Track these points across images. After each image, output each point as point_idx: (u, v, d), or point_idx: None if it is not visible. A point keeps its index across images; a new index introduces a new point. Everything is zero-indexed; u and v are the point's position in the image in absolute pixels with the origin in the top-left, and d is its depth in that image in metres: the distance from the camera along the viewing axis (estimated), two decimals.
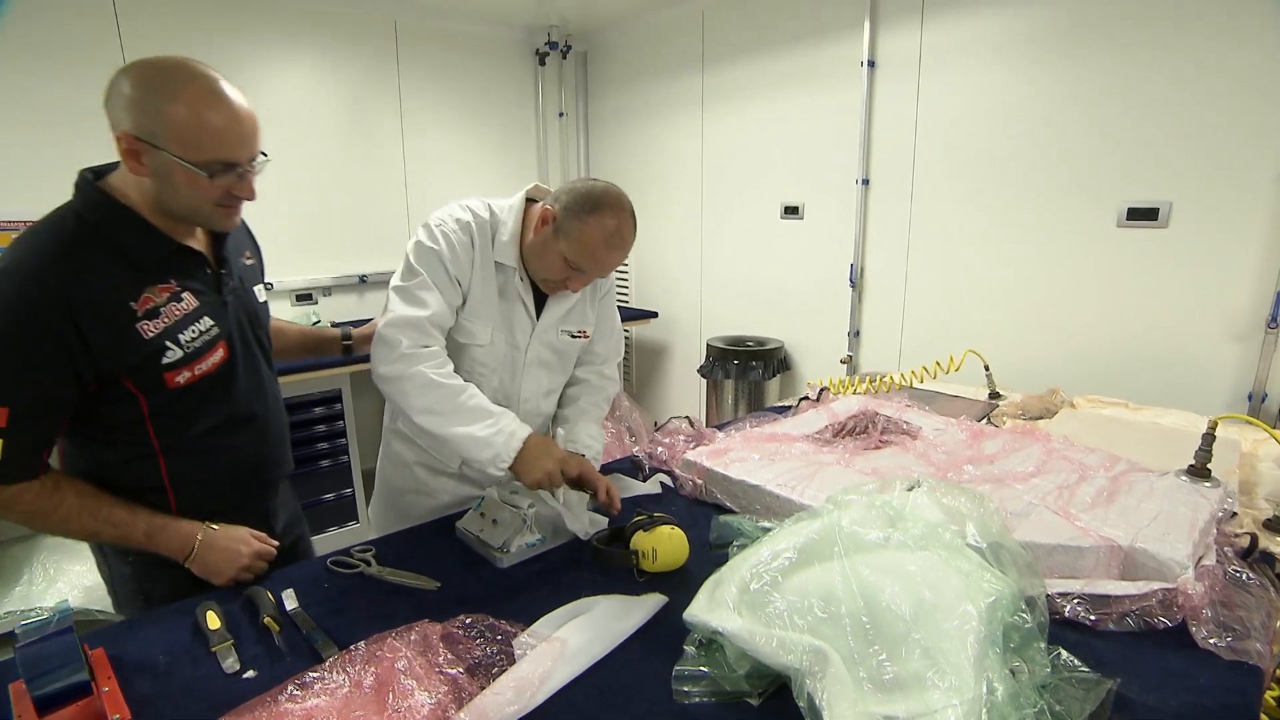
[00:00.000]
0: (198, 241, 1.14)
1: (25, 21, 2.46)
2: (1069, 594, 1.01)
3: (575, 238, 1.22)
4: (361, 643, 0.89)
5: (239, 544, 1.13)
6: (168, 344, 1.05)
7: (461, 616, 0.95)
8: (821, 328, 2.96)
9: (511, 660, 0.90)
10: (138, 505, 1.09)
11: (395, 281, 1.28)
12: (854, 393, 1.97)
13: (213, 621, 1.00)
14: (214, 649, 0.95)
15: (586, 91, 3.97)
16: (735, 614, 0.88)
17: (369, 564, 1.17)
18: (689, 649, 0.91)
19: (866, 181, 2.66)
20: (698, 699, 0.85)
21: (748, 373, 2.98)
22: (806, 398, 1.89)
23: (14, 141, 2.49)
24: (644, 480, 1.52)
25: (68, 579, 2.24)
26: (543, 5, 3.32)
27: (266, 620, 1.00)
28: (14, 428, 0.94)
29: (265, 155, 1.08)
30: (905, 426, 1.60)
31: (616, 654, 0.94)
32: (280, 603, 1.06)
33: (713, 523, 1.19)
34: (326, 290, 3.29)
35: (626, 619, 1.00)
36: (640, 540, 1.13)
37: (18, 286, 0.94)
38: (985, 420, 1.75)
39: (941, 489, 1.06)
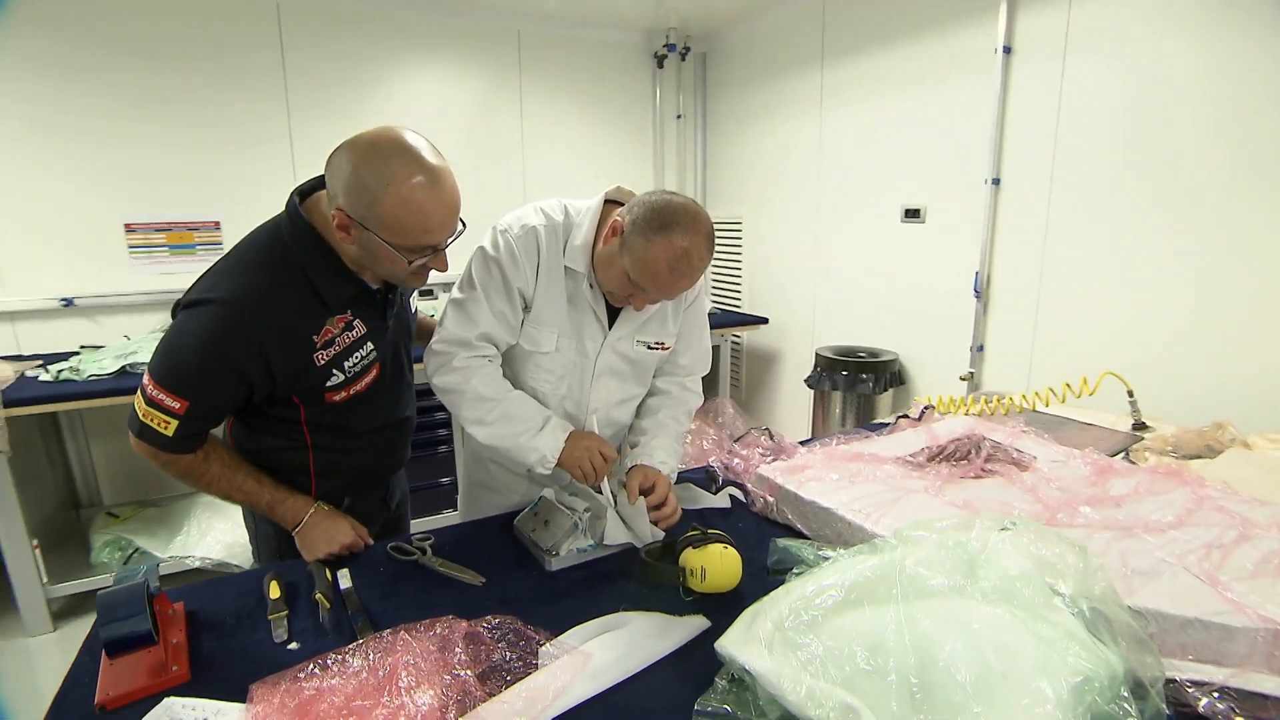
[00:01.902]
0: (377, 279, 1.21)
1: (209, 51, 2.80)
2: (1207, 684, 0.81)
3: (639, 256, 1.14)
4: (388, 630, 0.89)
5: (337, 533, 1.21)
6: (334, 370, 1.16)
7: (490, 617, 0.93)
8: (941, 340, 2.70)
9: (531, 668, 0.86)
10: (265, 479, 1.21)
11: (454, 293, 1.28)
12: (965, 413, 1.76)
13: (274, 591, 1.06)
14: (270, 617, 1.00)
15: (705, 93, 3.91)
16: (767, 652, 0.78)
17: (425, 552, 1.19)
18: (720, 682, 0.83)
19: (997, 181, 2.38)
20: None
21: (856, 385, 2.77)
22: (906, 415, 1.71)
23: (200, 159, 2.83)
24: (715, 493, 1.44)
25: (215, 534, 2.52)
26: (661, 7, 3.30)
27: (318, 595, 1.03)
28: (187, 418, 1.08)
29: (463, 225, 1.12)
30: (1016, 455, 1.39)
31: (644, 675, 0.88)
32: (336, 581, 1.10)
33: (771, 545, 1.09)
34: (446, 287, 3.47)
35: (661, 640, 0.93)
36: (689, 557, 1.06)
37: (228, 315, 1.05)
38: (1122, 455, 1.49)
39: (1036, 533, 0.89)
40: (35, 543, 2.25)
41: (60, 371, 2.29)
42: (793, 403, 3.62)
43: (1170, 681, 0.79)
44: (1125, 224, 2.07)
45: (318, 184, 1.15)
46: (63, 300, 2.71)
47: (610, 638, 0.93)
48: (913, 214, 2.72)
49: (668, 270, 1.13)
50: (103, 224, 2.73)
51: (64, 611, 2.41)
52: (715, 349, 3.51)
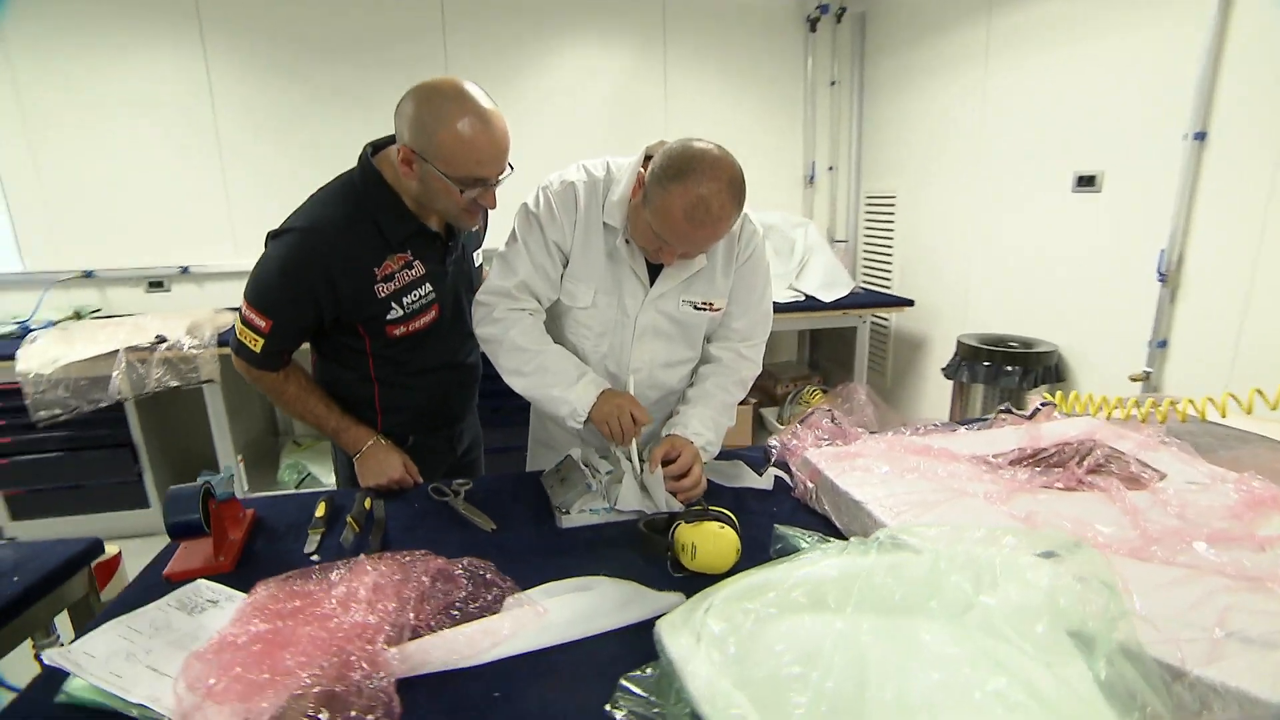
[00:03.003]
0: (438, 223, 1.32)
1: (378, 44, 3.12)
2: None
3: (656, 206, 1.09)
4: (376, 555, 0.94)
5: (387, 468, 1.31)
6: (393, 304, 1.27)
7: (469, 559, 0.95)
8: (1111, 332, 2.23)
9: (488, 614, 0.87)
10: (334, 407, 1.36)
11: (500, 246, 1.31)
12: (1096, 414, 1.44)
13: (320, 510, 1.17)
14: (309, 531, 1.12)
15: (862, 56, 3.56)
16: (694, 640, 0.71)
17: (457, 495, 1.24)
18: (652, 665, 0.77)
19: (1200, 136, 1.88)
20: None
21: (1000, 378, 2.40)
22: (1009, 409, 1.44)
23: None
24: (761, 473, 1.33)
25: (311, 479, 2.91)
26: None
27: (349, 519, 1.13)
28: (272, 336, 1.24)
29: (511, 168, 1.21)
30: (1136, 470, 1.11)
31: (592, 642, 0.84)
32: (371, 511, 1.19)
33: (774, 531, 0.98)
34: None
35: (622, 610, 0.89)
36: (681, 533, 0.99)
37: (304, 241, 1.19)
38: None
39: (1084, 562, 0.70)
40: (240, 458, 2.74)
41: None
42: (939, 394, 3.23)
43: None
44: None
45: (388, 141, 1.26)
46: None
47: (573, 598, 0.90)
48: (1086, 181, 2.26)
49: (684, 219, 1.06)
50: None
51: None
52: (851, 330, 3.24)
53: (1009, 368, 2.39)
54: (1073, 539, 0.74)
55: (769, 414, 3.54)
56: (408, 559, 0.92)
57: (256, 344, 1.23)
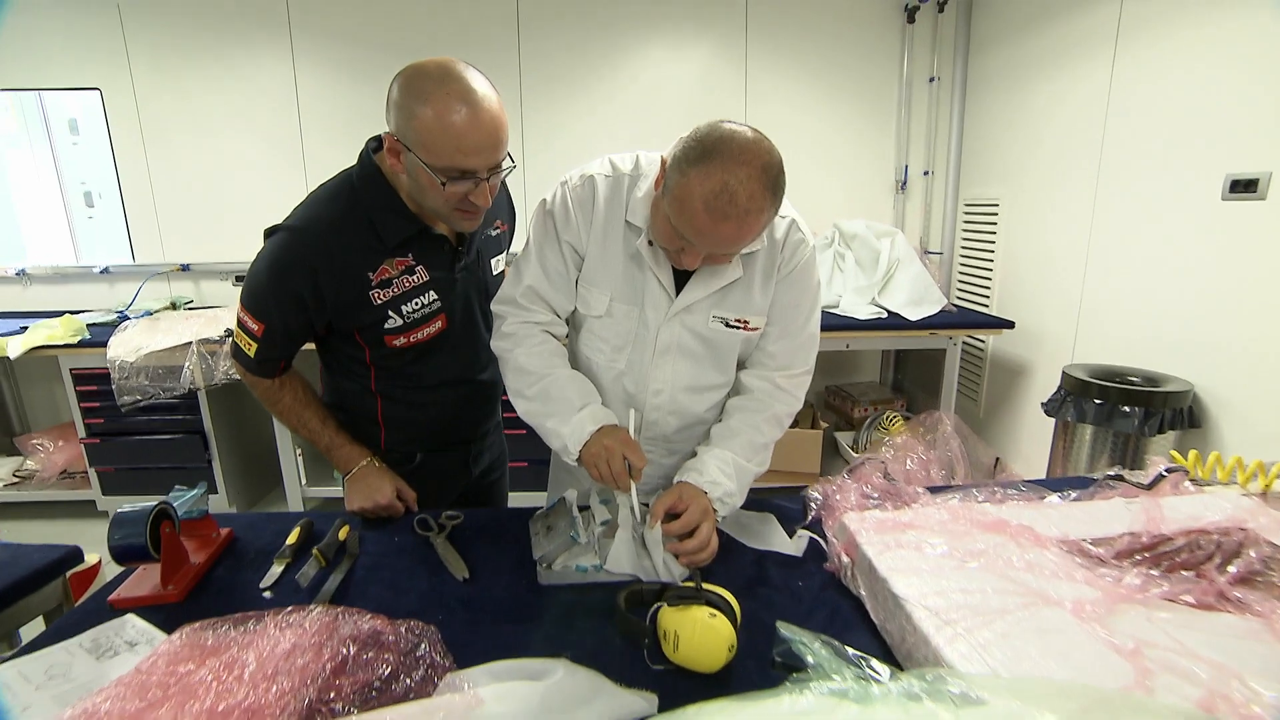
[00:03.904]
0: (445, 225, 1.20)
1: (446, 46, 3.08)
2: None
3: (675, 194, 0.90)
4: (312, 609, 0.81)
5: (376, 492, 1.19)
6: (390, 312, 1.16)
7: (415, 621, 0.80)
8: (1271, 372, 1.80)
9: (418, 694, 0.71)
10: (330, 421, 1.25)
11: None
12: (1246, 487, 1.10)
13: (293, 536, 1.07)
14: (273, 561, 1.01)
15: (966, 48, 3.16)
16: None
17: (442, 529, 1.11)
18: None
19: None
20: None
21: (1114, 419, 2.01)
22: (1119, 476, 1.13)
23: None
24: (792, 535, 1.11)
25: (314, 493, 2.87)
26: None
27: (315, 552, 1.01)
28: (264, 340, 1.15)
29: (512, 162, 1.07)
30: None
31: None
32: (344, 543, 1.07)
33: (776, 630, 0.76)
34: None
35: (573, 713, 0.70)
36: (664, 617, 0.80)
37: (291, 241, 1.09)
38: None
39: None
40: (299, 452, 2.77)
41: None
42: (1038, 435, 2.81)
43: None
44: None
45: None
46: None
47: (518, 689, 0.73)
48: (1244, 187, 1.84)
49: (703, 209, 0.87)
50: None
51: (316, 508, 2.96)
52: (940, 352, 2.88)
53: (1126, 408, 2.00)
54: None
55: (844, 438, 3.22)
56: (338, 616, 0.78)
57: (250, 348, 1.15)
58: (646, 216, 1.04)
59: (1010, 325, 2.79)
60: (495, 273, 1.34)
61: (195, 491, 1.06)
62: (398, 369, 1.23)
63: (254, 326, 1.13)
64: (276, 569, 0.99)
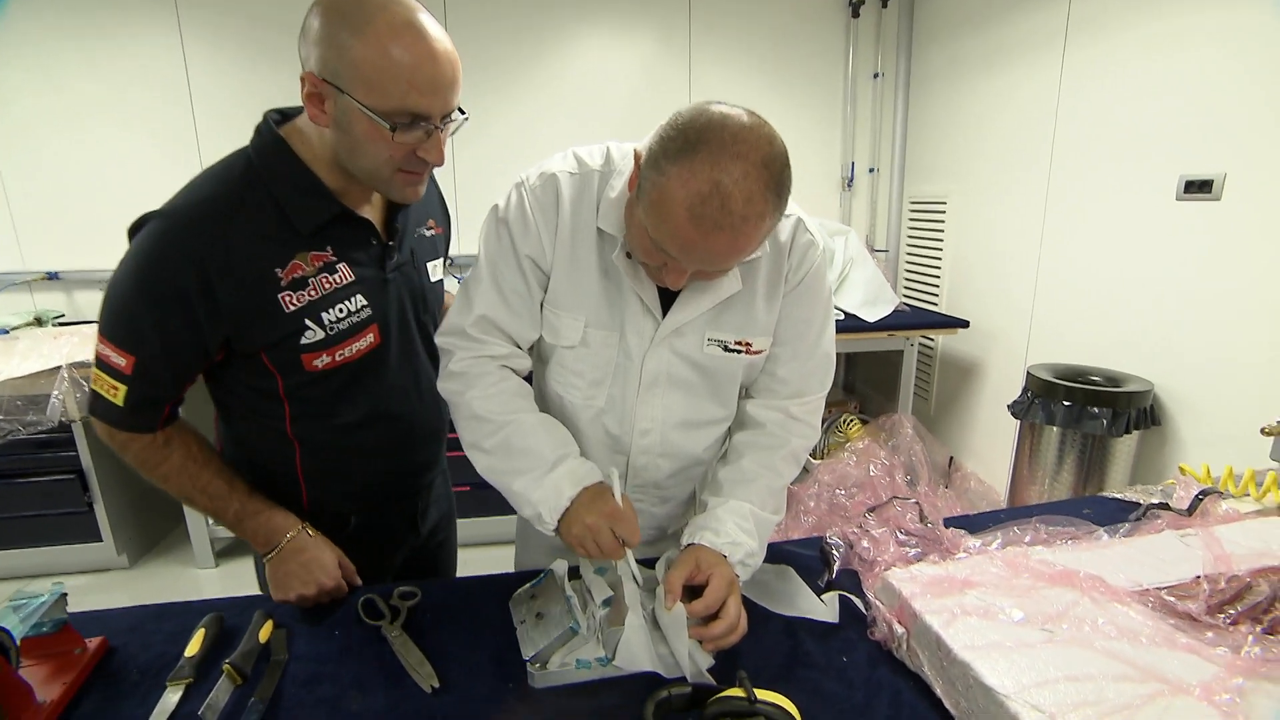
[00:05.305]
0: (371, 209, 0.96)
1: None
2: None
3: (652, 200, 0.72)
4: None
5: (317, 572, 0.93)
6: (308, 322, 0.89)
7: None
8: (1228, 370, 1.81)
9: None
10: (239, 484, 0.96)
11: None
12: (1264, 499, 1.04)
13: (195, 643, 0.81)
14: (167, 684, 0.76)
15: (910, 44, 3.14)
16: None
17: (397, 615, 0.88)
18: None
19: None
20: None
21: (1083, 421, 1.99)
22: (1164, 505, 1.04)
23: None
24: (822, 592, 0.95)
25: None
26: None
27: (227, 667, 0.77)
28: (137, 378, 0.85)
29: (464, 113, 0.85)
30: None
31: None
32: (268, 646, 0.83)
33: None
34: None
35: None
36: None
37: (166, 232, 0.82)
38: None
39: None
40: None
41: None
42: (994, 432, 2.82)
43: None
44: None
45: (300, 111, 0.88)
46: None
47: None
48: (1199, 187, 1.84)
49: (689, 218, 0.69)
50: None
51: (226, 551, 2.59)
52: (898, 354, 2.83)
53: (1092, 409, 1.98)
54: None
55: None
56: None
57: (116, 393, 0.85)
58: (622, 222, 0.85)
59: (965, 324, 2.78)
60: (433, 279, 1.09)
61: (45, 599, 0.78)
62: (321, 401, 0.96)
63: (120, 362, 0.84)
64: (171, 697, 0.74)
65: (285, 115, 0.90)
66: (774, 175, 0.70)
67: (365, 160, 0.83)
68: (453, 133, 0.86)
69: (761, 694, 0.65)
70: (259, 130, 0.88)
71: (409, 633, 0.85)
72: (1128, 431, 1.95)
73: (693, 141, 0.68)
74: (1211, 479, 1.11)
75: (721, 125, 0.68)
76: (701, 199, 0.67)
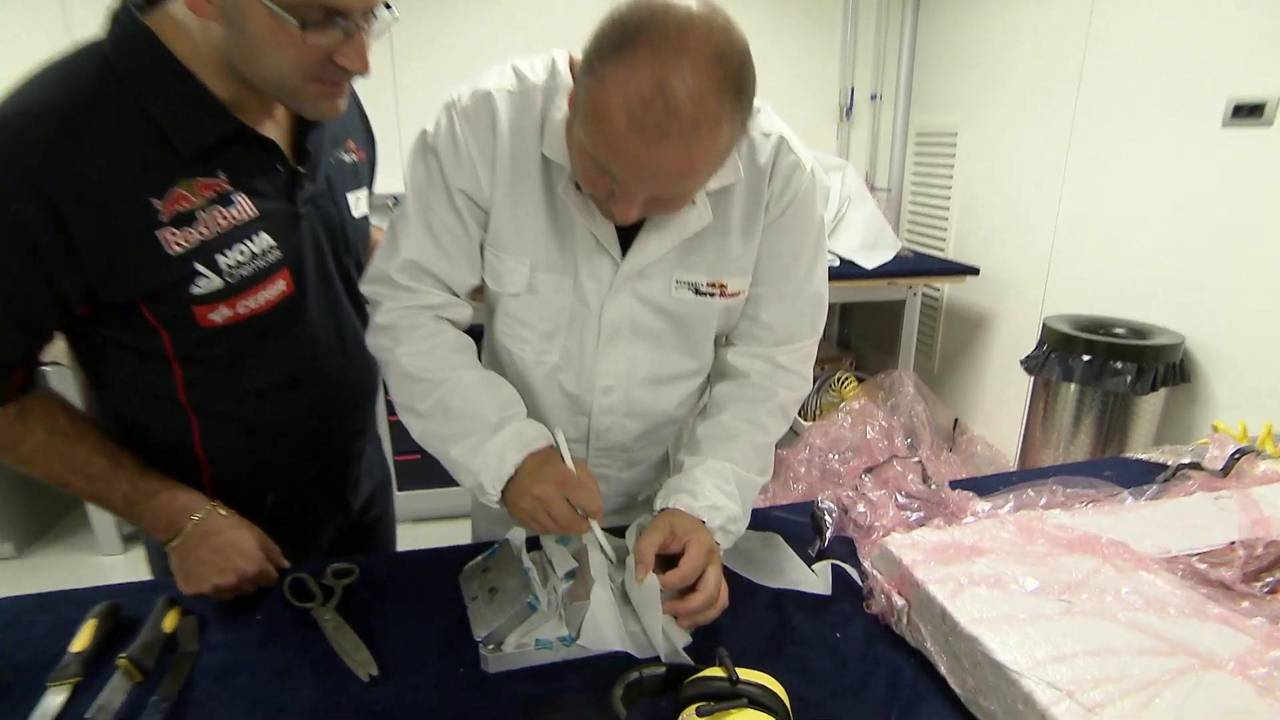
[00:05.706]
0: (275, 125, 0.87)
1: None
2: None
3: (588, 109, 0.66)
4: None
5: (234, 557, 0.86)
6: (200, 266, 0.80)
7: None
8: (1267, 322, 1.83)
9: None
10: (128, 460, 0.88)
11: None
12: None
13: (83, 638, 0.77)
14: (48, 685, 0.72)
15: None
16: None
17: (330, 595, 0.85)
18: None
19: None
20: None
21: (1104, 377, 2.00)
22: (1196, 465, 1.04)
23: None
24: (813, 561, 0.94)
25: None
26: None
27: (122, 662, 0.73)
28: None
29: (389, 8, 0.76)
30: None
31: None
32: (175, 636, 0.79)
33: None
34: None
35: None
36: None
37: None
38: None
39: None
40: None
41: None
42: (1003, 391, 2.85)
43: None
44: None
45: None
46: None
47: None
48: (1249, 111, 1.83)
49: (627, 124, 0.63)
50: None
51: (137, 534, 2.53)
52: (899, 305, 2.83)
53: (1116, 364, 2.00)
54: None
55: None
56: None
57: None
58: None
59: (975, 272, 2.78)
60: (356, 214, 1.02)
61: None
62: (222, 363, 0.89)
63: None
64: (54, 699, 0.70)
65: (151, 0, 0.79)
66: (729, 72, 0.64)
67: (266, 66, 0.74)
68: (379, 35, 0.78)
69: (744, 674, 0.63)
70: (116, 17, 0.76)
71: (344, 615, 0.82)
72: (1154, 389, 1.97)
73: (631, 35, 0.62)
74: (1248, 438, 1.11)
75: (664, 14, 0.62)
76: (642, 103, 0.61)
